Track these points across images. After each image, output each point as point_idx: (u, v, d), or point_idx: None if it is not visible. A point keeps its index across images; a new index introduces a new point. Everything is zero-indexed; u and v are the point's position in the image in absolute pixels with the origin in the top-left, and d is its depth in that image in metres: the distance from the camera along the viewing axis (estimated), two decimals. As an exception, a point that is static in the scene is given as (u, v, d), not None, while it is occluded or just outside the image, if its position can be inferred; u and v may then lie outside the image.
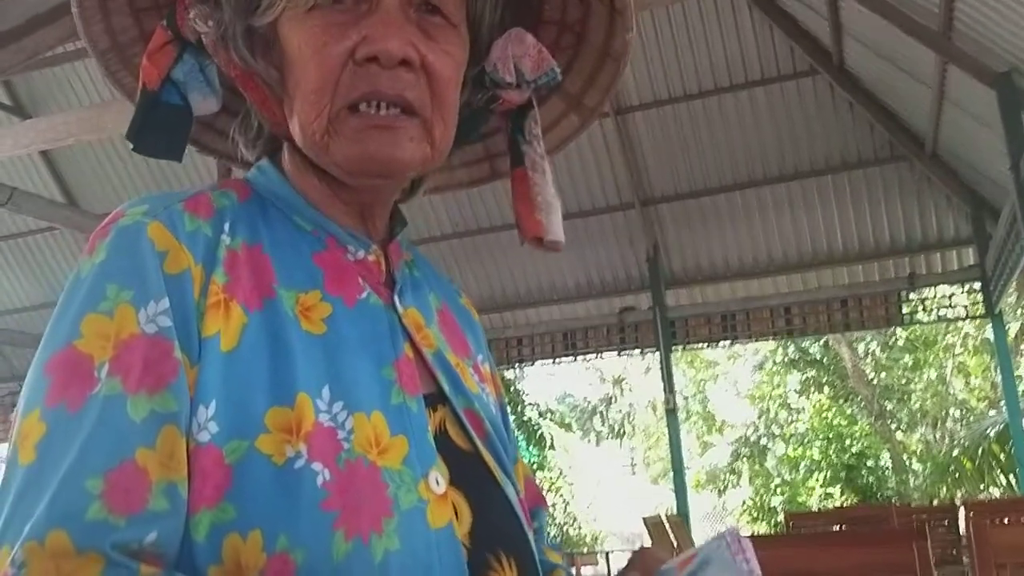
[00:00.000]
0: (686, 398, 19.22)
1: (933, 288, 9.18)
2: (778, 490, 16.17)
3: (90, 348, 0.67)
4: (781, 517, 10.17)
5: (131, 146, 0.86)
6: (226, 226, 0.77)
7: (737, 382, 19.48)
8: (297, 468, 0.67)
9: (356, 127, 0.76)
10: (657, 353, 9.49)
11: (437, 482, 0.74)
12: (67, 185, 9.92)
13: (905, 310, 9.09)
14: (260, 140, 0.88)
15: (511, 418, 1.01)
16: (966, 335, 15.59)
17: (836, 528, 5.91)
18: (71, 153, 9.45)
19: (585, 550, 15.44)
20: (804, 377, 17.19)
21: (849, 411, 16.42)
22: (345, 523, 0.67)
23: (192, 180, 9.73)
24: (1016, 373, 11.30)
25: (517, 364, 10.56)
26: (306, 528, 0.66)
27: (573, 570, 1.06)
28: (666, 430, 9.48)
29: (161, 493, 0.65)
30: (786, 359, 17.21)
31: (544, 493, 1.05)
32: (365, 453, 0.71)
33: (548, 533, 1.03)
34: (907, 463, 16.04)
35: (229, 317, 0.72)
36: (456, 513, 0.74)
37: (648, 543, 7.53)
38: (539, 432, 16.19)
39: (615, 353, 10.30)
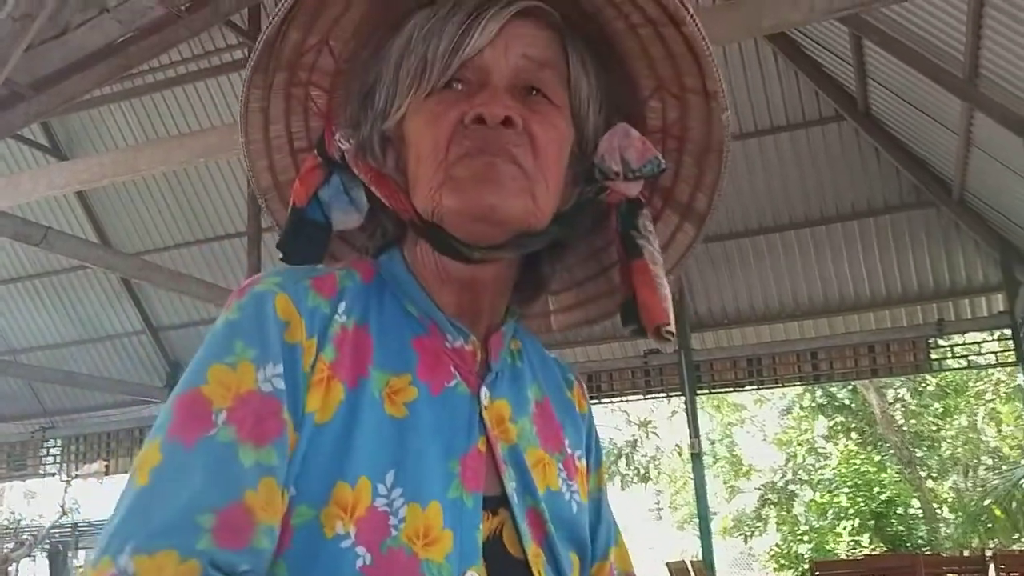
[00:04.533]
0: (712, 442, 19.04)
1: (962, 335, 9.08)
2: (805, 537, 15.92)
3: (211, 394, 0.73)
4: (808, 565, 9.99)
5: (280, 256, 0.95)
6: (342, 306, 0.83)
7: (764, 426, 19.28)
8: (343, 547, 0.72)
9: (465, 171, 0.81)
10: (682, 397, 9.43)
11: None
12: (100, 225, 10.09)
13: (934, 356, 8.99)
14: (384, 239, 0.96)
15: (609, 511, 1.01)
16: (998, 382, 15.37)
17: (863, 578, 5.81)
18: (105, 193, 9.64)
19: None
20: (832, 423, 16.98)
21: (878, 458, 16.19)
22: None
23: (223, 221, 9.87)
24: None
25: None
26: None
27: None
28: (692, 474, 9.38)
29: (263, 533, 0.70)
30: (814, 404, 17.03)
31: None
32: (410, 543, 0.74)
33: None
34: (938, 511, 15.75)
35: (329, 393, 0.77)
36: None
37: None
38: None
39: (640, 396, 10.25)
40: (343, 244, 1.04)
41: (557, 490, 0.87)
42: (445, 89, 0.85)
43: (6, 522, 19.06)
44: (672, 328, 0.90)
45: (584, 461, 0.96)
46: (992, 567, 5.98)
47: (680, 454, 19.38)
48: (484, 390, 0.86)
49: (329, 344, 0.79)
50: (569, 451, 0.93)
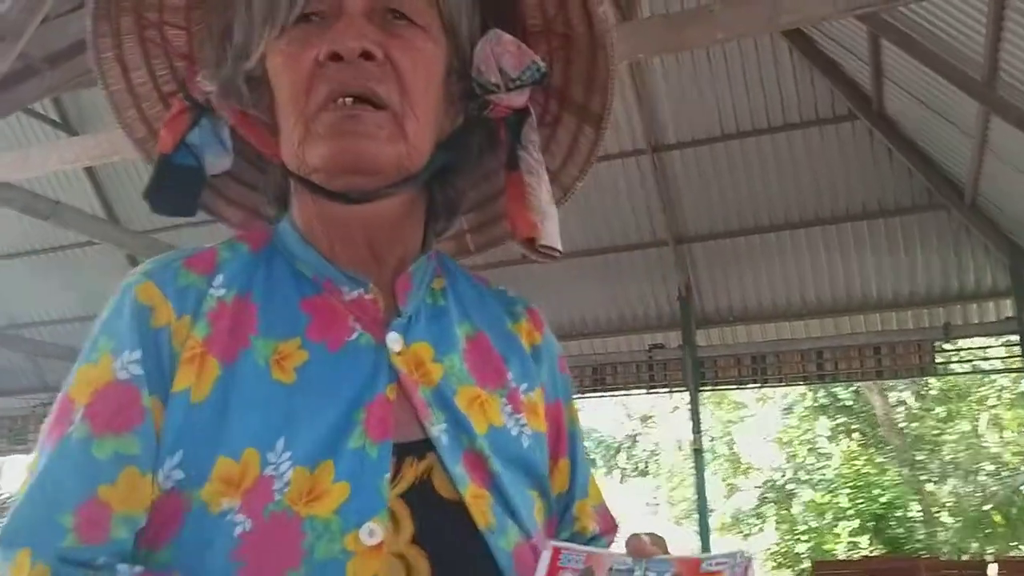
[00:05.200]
0: (712, 439, 19.00)
1: (968, 339, 9.03)
2: (804, 537, 15.91)
3: (75, 394, 0.75)
4: (806, 564, 9.98)
5: (148, 206, 0.91)
6: (218, 279, 0.80)
7: (765, 425, 19.24)
8: (227, 520, 0.70)
9: (325, 125, 0.77)
10: (685, 392, 9.40)
11: (371, 533, 0.71)
12: (109, 201, 10.07)
13: (939, 360, 8.95)
14: (275, 198, 0.92)
15: (581, 446, 0.96)
16: (1001, 388, 15.33)
17: (862, 579, 5.79)
18: (114, 170, 9.61)
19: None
20: (834, 423, 16.95)
21: (879, 460, 16.16)
22: (250, 574, 0.69)
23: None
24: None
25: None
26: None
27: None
28: (692, 470, 9.37)
29: (120, 523, 0.71)
30: (816, 404, 17.00)
31: (616, 521, 0.98)
32: (292, 504, 0.71)
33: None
34: (937, 516, 15.73)
35: (203, 370, 0.75)
36: (409, 571, 0.72)
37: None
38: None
39: (643, 391, 10.22)
40: (258, 194, 1.00)
41: (502, 426, 0.83)
42: (301, 23, 0.79)
43: (5, 496, 19.11)
44: (547, 242, 0.86)
45: (532, 394, 0.89)
46: (994, 572, 5.96)
47: (680, 449, 19.37)
48: (393, 335, 0.82)
49: (202, 320, 0.77)
50: (514, 385, 0.88)
